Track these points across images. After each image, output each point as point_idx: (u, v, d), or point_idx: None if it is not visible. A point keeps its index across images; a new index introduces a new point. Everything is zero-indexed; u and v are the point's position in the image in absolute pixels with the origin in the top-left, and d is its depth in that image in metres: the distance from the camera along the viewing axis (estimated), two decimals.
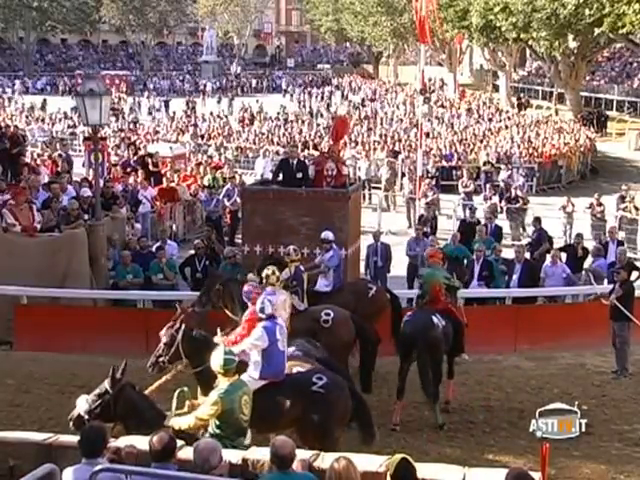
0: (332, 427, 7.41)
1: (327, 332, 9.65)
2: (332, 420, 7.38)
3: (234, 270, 12.18)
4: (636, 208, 18.57)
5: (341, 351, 9.69)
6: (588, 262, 13.81)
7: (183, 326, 7.83)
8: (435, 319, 9.81)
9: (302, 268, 10.34)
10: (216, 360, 6.50)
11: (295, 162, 12.48)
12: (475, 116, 38.08)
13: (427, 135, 26.63)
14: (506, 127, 33.35)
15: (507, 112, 40.24)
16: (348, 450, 6.68)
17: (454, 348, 10.27)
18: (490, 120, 36.33)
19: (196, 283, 12.75)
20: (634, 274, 12.72)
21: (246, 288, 8.72)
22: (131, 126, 34.21)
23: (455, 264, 13.14)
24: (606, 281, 13.03)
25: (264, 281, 8.90)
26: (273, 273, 8.88)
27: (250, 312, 8.34)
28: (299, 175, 12.27)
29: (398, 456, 5.15)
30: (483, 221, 15.91)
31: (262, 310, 7.63)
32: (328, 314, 9.78)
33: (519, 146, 27.37)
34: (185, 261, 13.57)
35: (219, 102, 47.80)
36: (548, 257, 13.99)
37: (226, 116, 37.62)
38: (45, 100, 46.25)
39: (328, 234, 11.16)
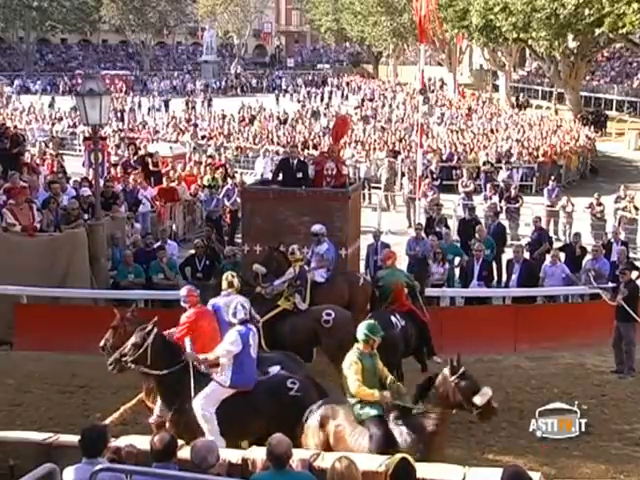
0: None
1: (327, 332, 9.66)
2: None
3: (234, 269, 12.18)
4: (636, 208, 18.58)
5: (340, 352, 9.67)
6: (588, 263, 13.76)
7: (155, 329, 7.64)
8: (394, 319, 9.87)
9: (307, 268, 10.33)
10: (362, 328, 7.01)
11: (295, 162, 12.48)
12: (475, 116, 38.10)
13: (426, 135, 26.65)
14: (506, 127, 33.35)
15: (506, 112, 40.26)
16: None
17: (421, 350, 10.30)
18: (490, 120, 36.34)
19: (196, 282, 12.76)
20: (634, 274, 12.72)
21: (183, 292, 8.59)
22: (139, 126, 34.14)
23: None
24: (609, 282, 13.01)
25: (226, 286, 8.80)
26: (233, 277, 8.86)
27: (192, 313, 8.29)
28: (299, 175, 12.27)
29: (398, 456, 5.16)
30: (483, 220, 15.92)
31: (235, 315, 7.52)
32: (329, 314, 9.78)
33: (520, 145, 27.37)
34: (185, 261, 13.57)
35: (203, 103, 47.22)
36: (548, 257, 13.98)
37: (224, 116, 37.43)
38: (53, 99, 46.85)
39: (317, 227, 11.15)
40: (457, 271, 14.14)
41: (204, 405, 7.30)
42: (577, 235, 14.86)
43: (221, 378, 7.37)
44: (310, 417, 7.00)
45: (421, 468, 5.40)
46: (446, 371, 6.59)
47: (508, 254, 14.58)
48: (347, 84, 58.05)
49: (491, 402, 6.48)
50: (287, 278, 10.11)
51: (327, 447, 6.70)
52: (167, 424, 7.50)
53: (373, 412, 6.75)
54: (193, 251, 13.63)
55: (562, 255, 13.85)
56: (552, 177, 22.79)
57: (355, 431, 6.79)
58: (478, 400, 6.39)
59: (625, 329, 11.13)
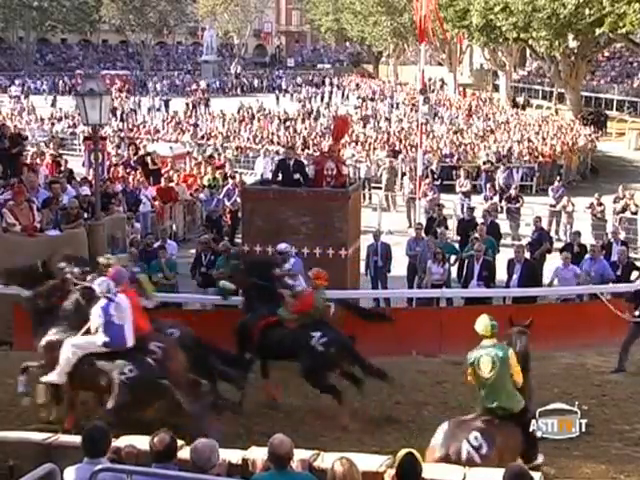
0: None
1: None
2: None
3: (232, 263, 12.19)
4: (637, 206, 18.58)
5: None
6: (586, 264, 13.72)
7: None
8: None
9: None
10: (482, 324, 7.54)
11: (292, 163, 12.42)
12: (475, 116, 38.11)
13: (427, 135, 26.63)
14: (506, 127, 33.34)
15: (507, 112, 40.27)
16: (346, 450, 6.69)
17: None
18: (490, 119, 36.34)
19: (203, 278, 12.96)
20: (634, 274, 12.70)
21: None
22: (139, 126, 34.14)
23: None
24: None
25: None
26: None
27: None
28: (296, 176, 12.22)
29: (404, 451, 5.16)
30: (481, 220, 15.92)
31: (109, 290, 8.30)
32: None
33: (519, 144, 27.37)
34: (194, 262, 13.56)
35: (199, 103, 46.00)
36: (558, 258, 13.82)
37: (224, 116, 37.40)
38: (55, 97, 47.06)
39: (282, 246, 10.86)
40: (454, 270, 14.13)
41: (74, 348, 8.40)
42: (576, 233, 14.86)
43: (96, 337, 8.38)
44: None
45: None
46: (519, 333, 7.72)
47: (505, 253, 14.56)
48: (347, 84, 58.06)
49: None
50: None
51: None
52: None
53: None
54: (199, 250, 13.63)
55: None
56: (558, 177, 22.80)
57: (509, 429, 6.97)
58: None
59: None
